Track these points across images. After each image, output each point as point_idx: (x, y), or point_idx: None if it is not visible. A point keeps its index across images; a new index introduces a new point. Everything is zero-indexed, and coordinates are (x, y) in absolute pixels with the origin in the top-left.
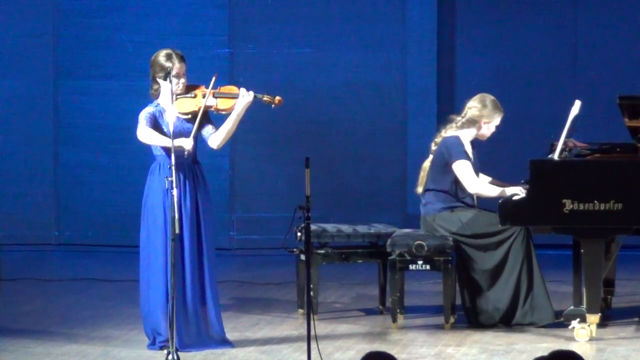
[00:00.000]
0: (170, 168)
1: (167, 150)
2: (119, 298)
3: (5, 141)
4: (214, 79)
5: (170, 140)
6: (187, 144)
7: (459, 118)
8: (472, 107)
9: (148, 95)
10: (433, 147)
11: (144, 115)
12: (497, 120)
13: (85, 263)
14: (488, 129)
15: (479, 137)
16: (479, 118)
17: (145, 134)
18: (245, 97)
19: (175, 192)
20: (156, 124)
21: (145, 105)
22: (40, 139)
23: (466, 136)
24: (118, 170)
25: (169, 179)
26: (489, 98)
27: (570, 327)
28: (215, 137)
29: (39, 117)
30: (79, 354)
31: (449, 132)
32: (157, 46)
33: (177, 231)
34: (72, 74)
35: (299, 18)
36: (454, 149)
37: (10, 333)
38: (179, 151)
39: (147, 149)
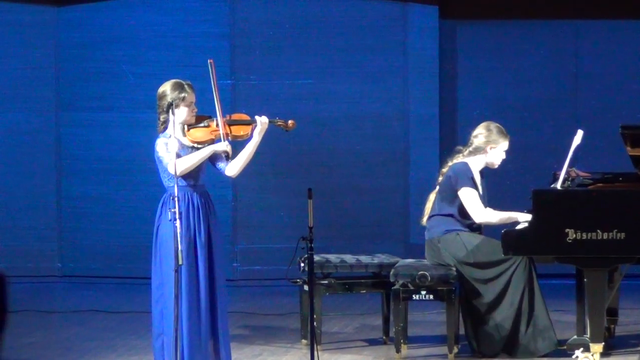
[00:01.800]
0: (173, 199)
1: (184, 179)
2: (122, 329)
3: (7, 174)
4: (211, 67)
5: (206, 149)
6: (223, 146)
7: (465, 148)
8: (478, 134)
9: (149, 127)
10: (440, 178)
11: (164, 149)
12: (503, 144)
13: (88, 294)
14: (496, 155)
15: (488, 165)
16: (485, 144)
17: (180, 164)
18: (261, 123)
19: (178, 223)
20: (177, 155)
21: (151, 138)
22: (43, 171)
23: (475, 164)
24: (120, 202)
25: (172, 210)
26: (493, 124)
27: (573, 356)
28: (232, 166)
29: (41, 149)
30: None
31: (455, 161)
32: (158, 78)
33: (180, 262)
34: (74, 106)
35: (301, 49)
36: (461, 175)
37: None
38: (193, 180)
39: (152, 181)
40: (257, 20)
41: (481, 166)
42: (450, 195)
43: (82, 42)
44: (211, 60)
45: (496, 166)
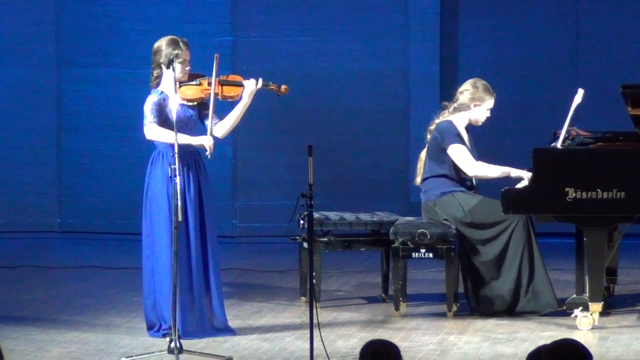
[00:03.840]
0: (173, 156)
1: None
2: (121, 285)
3: (8, 129)
4: (216, 61)
5: (183, 138)
6: (207, 141)
7: (450, 104)
8: (463, 91)
9: (150, 83)
10: (428, 136)
11: (149, 108)
12: (488, 102)
13: (88, 250)
14: (480, 112)
15: (472, 122)
16: (469, 101)
17: (152, 131)
18: (251, 85)
19: (178, 179)
20: (161, 113)
21: (146, 93)
22: (43, 127)
23: (460, 121)
24: (120, 158)
25: (172, 166)
26: (480, 81)
27: (572, 315)
28: (220, 126)
29: (41, 105)
30: (81, 341)
31: (441, 118)
32: (159, 34)
33: (180, 219)
34: (75, 62)
35: (302, 6)
36: (446, 133)
37: (13, 320)
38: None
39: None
40: None
41: (465, 123)
42: (439, 155)
43: None
44: (217, 55)
45: (480, 124)
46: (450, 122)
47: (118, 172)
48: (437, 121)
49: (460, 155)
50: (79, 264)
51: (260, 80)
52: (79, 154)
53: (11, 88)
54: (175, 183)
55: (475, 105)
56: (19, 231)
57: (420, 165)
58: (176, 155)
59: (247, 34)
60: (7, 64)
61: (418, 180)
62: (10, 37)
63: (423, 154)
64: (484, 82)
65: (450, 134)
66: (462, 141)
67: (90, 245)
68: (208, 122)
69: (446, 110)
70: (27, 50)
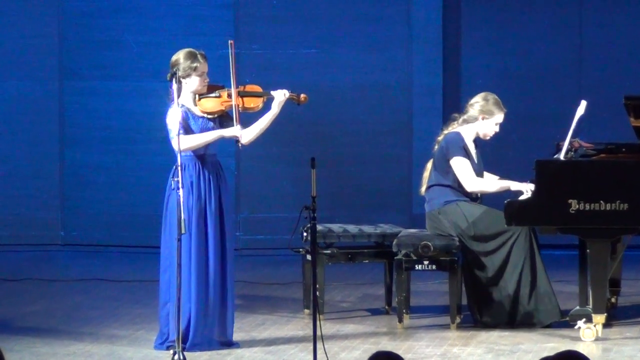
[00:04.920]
0: (176, 169)
1: (192, 150)
2: (124, 298)
3: (11, 142)
4: (231, 48)
5: (213, 133)
6: (238, 131)
7: (460, 116)
8: (473, 103)
9: (153, 96)
10: (435, 147)
11: (173, 121)
12: (497, 117)
13: (91, 263)
14: (488, 126)
15: (481, 136)
16: (479, 113)
17: (184, 141)
18: (281, 96)
19: (181, 192)
20: (187, 126)
21: (149, 106)
22: (46, 139)
23: (468, 134)
24: (123, 171)
25: (175, 179)
26: (492, 95)
27: (576, 327)
28: (247, 133)
29: (44, 117)
30: (85, 353)
31: (450, 129)
32: (162, 47)
33: (183, 231)
34: (77, 74)
35: (305, 18)
36: (452, 144)
37: (16, 333)
38: (203, 150)
39: (155, 150)
40: None
41: (473, 136)
42: (444, 165)
43: (87, 10)
44: (232, 42)
45: (488, 138)
46: (458, 134)
47: (121, 185)
48: (445, 132)
49: (462, 168)
50: (83, 277)
51: (285, 91)
52: (81, 166)
53: (14, 100)
54: (178, 195)
55: (483, 118)
56: (22, 244)
57: (426, 175)
58: (179, 168)
59: (249, 46)
60: (10, 76)
61: (423, 189)
62: (13, 50)
63: (429, 164)
64: (496, 96)
65: (455, 146)
66: (467, 154)
67: (94, 258)
68: (234, 115)
69: (455, 122)
70: (30, 63)
